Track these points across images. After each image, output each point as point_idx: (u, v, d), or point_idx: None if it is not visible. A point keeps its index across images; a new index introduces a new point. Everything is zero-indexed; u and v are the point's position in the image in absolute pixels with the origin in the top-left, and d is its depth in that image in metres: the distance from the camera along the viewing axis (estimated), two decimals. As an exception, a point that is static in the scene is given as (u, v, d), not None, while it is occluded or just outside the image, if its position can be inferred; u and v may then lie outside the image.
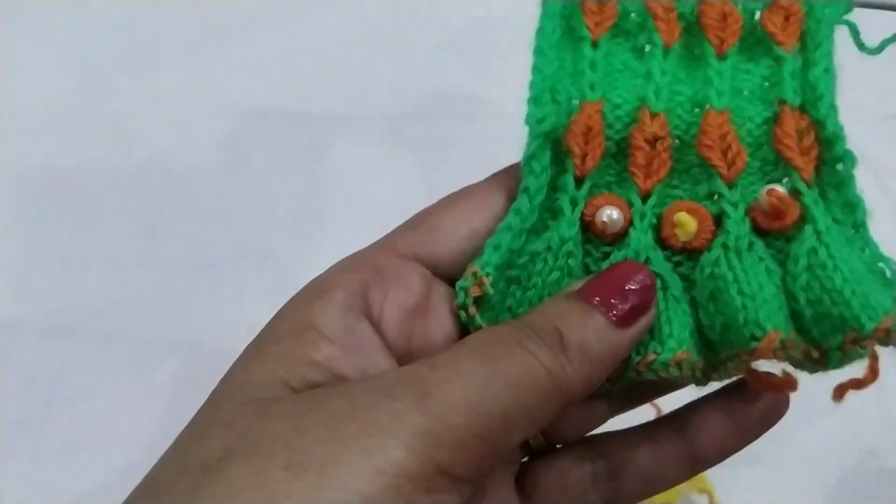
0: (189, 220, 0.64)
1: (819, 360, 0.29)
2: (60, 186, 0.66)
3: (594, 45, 0.31)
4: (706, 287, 0.29)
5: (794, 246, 0.29)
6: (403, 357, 0.29)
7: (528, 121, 0.30)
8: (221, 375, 0.27)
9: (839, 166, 0.30)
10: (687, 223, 0.30)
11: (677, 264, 0.31)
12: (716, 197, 0.30)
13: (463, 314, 0.29)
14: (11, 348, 0.59)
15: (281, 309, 0.29)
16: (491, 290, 0.29)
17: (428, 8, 0.70)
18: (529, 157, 0.30)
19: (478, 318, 0.29)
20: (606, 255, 0.31)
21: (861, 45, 0.34)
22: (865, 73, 0.71)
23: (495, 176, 0.32)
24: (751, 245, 0.29)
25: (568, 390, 0.26)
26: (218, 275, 0.60)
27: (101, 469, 0.54)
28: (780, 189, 0.29)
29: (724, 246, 0.29)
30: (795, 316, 0.29)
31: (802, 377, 0.29)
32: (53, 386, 0.58)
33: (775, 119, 0.30)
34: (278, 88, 0.69)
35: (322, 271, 0.30)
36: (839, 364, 0.28)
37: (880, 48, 0.35)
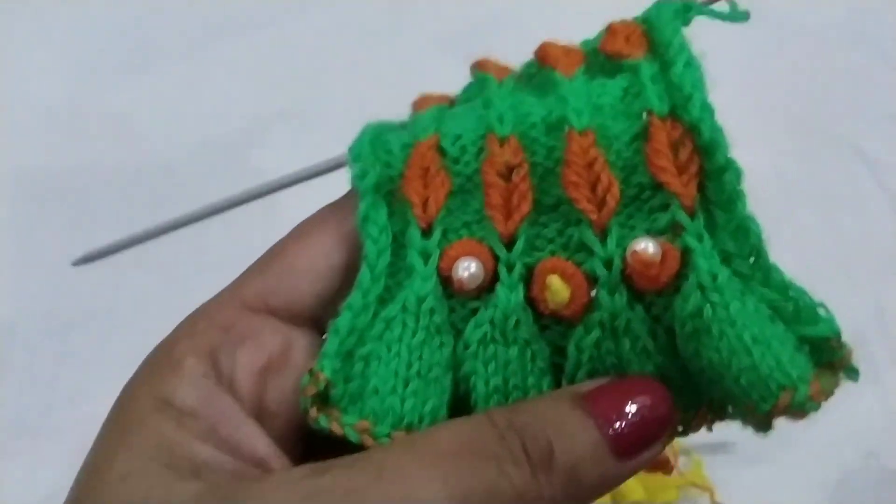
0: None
1: (713, 419, 0.27)
2: (60, 186, 0.66)
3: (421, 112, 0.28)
4: (584, 368, 0.26)
5: (678, 304, 0.25)
6: (259, 417, 0.26)
7: (352, 181, 0.27)
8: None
9: (724, 177, 0.25)
10: (559, 290, 0.25)
11: (544, 327, 0.27)
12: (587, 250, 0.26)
13: (310, 421, 0.25)
14: (11, 348, 0.59)
15: (129, 385, 0.26)
16: (331, 384, 0.25)
17: (428, 8, 0.70)
18: (363, 220, 0.26)
19: (321, 421, 0.25)
20: (474, 311, 0.26)
21: (731, 16, 0.28)
22: (865, 73, 0.71)
23: (346, 198, 0.28)
24: (628, 324, 0.25)
25: None
26: (217, 276, 0.60)
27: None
28: (648, 249, 0.25)
29: (601, 325, 0.25)
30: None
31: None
32: (53, 386, 0.58)
33: (645, 135, 0.26)
34: (278, 88, 0.69)
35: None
36: (743, 423, 0.26)
37: (739, 14, 0.28)
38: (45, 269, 0.63)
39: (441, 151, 0.26)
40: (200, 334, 0.26)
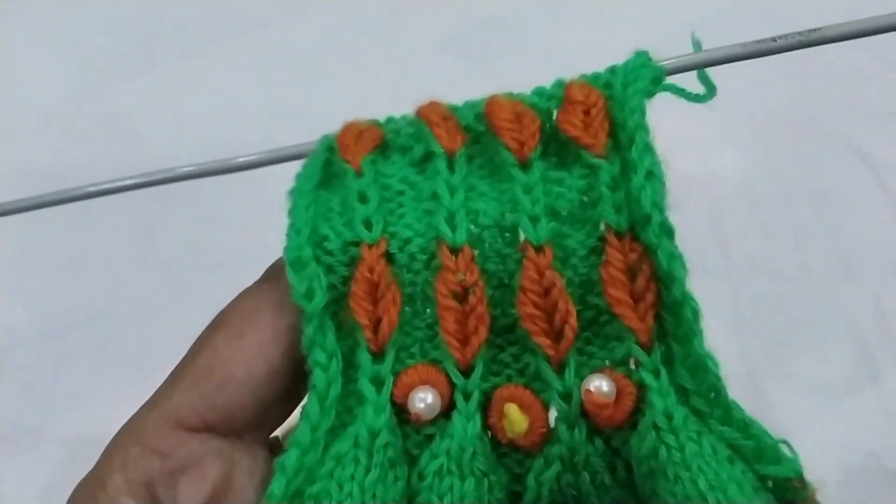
0: (189, 220, 0.64)
1: None
2: (60, 186, 0.66)
3: (358, 172, 0.25)
4: (544, 501, 0.25)
5: (634, 443, 0.24)
6: None
7: (294, 297, 0.24)
8: None
9: (682, 312, 0.23)
10: (517, 421, 0.24)
11: (501, 455, 0.25)
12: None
13: None
14: (11, 348, 0.59)
15: None
16: None
17: (428, 8, 0.70)
18: (310, 345, 0.24)
19: None
20: (429, 438, 0.25)
21: (697, 97, 0.26)
22: (865, 73, 0.71)
23: (272, 279, 0.26)
24: (587, 459, 0.24)
25: None
26: (216, 276, 0.60)
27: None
28: (603, 388, 0.24)
29: (561, 459, 0.24)
30: None
31: (800, 375, 0.29)
32: (53, 386, 0.58)
33: (602, 249, 0.24)
34: (278, 88, 0.69)
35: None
36: None
37: (709, 93, 0.26)
38: (46, 269, 0.63)
39: (389, 257, 0.24)
40: (134, 464, 0.24)
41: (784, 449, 0.24)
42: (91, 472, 0.25)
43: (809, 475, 0.61)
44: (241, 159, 0.29)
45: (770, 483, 0.24)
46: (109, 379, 0.58)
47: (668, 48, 0.27)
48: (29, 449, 0.56)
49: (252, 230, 0.65)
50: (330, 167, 0.26)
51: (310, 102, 0.68)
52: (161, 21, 0.73)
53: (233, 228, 0.64)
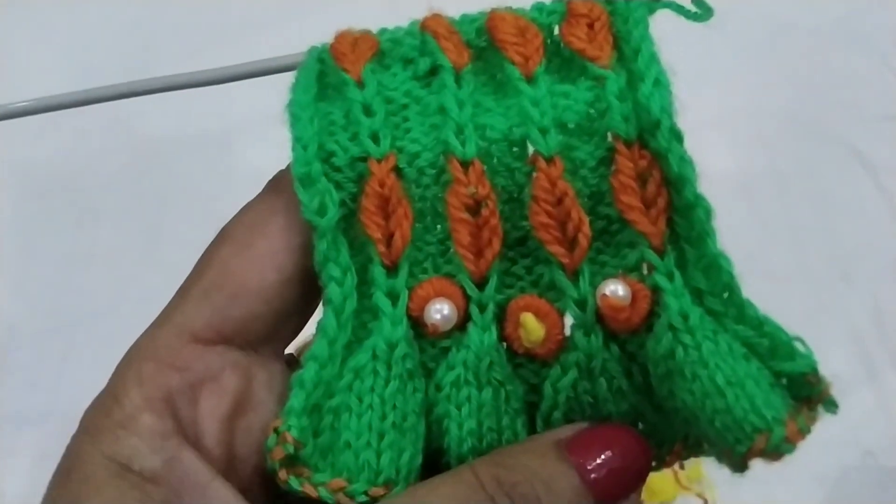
0: (190, 219, 0.64)
1: (688, 454, 0.26)
2: (61, 186, 0.66)
3: (359, 83, 0.24)
4: (560, 409, 0.25)
5: (651, 345, 0.24)
6: (228, 469, 0.24)
7: (304, 213, 0.23)
8: (69, 441, 0.24)
9: (693, 214, 0.24)
10: (534, 329, 0.24)
11: (517, 366, 0.25)
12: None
13: (280, 483, 0.23)
14: (12, 347, 0.59)
15: (76, 443, 0.23)
16: (299, 445, 0.23)
17: (427, 9, 0.70)
18: (324, 261, 0.24)
19: (292, 483, 0.23)
20: (445, 351, 0.25)
21: (695, 16, 0.26)
22: (864, 75, 0.71)
23: (276, 191, 0.25)
24: (604, 365, 0.25)
25: None
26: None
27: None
28: (618, 292, 0.24)
29: (577, 365, 0.25)
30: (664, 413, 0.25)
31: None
32: (54, 384, 0.58)
33: (611, 159, 0.24)
34: (278, 89, 0.69)
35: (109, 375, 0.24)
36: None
37: (704, 13, 0.26)
38: (48, 267, 0.63)
39: (398, 172, 0.24)
40: (151, 380, 0.23)
41: (798, 346, 0.24)
42: (103, 392, 0.24)
43: (807, 474, 0.61)
44: (232, 70, 0.29)
45: (784, 380, 0.24)
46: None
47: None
48: (31, 446, 0.56)
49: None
50: (324, 78, 0.25)
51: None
52: (162, 22, 0.74)
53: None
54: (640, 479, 0.24)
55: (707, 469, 0.53)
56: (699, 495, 0.52)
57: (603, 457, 0.23)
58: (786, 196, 0.64)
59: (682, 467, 0.26)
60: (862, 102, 0.68)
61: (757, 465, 0.24)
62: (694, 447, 0.26)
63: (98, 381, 0.69)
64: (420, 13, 0.27)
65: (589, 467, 0.23)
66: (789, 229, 0.62)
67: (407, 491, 0.23)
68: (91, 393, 0.66)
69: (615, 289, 0.24)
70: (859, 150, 0.66)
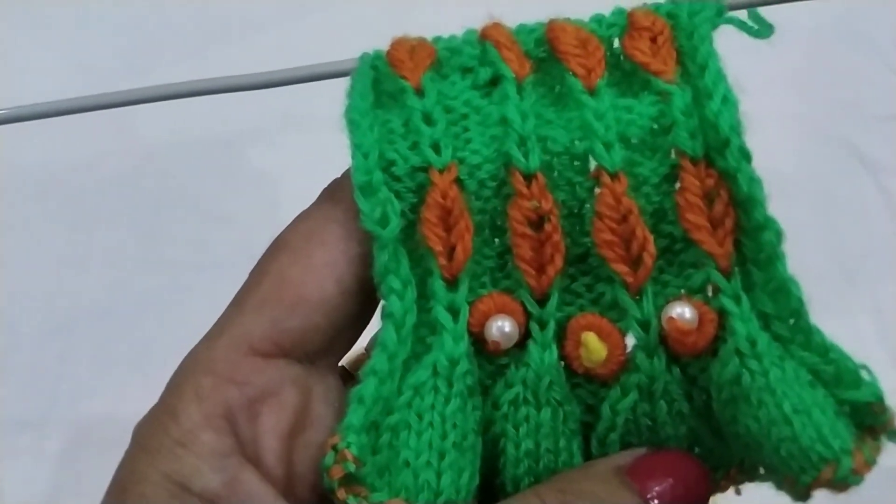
0: (189, 220, 0.64)
1: (744, 479, 0.26)
2: (60, 186, 0.66)
3: (419, 91, 0.24)
4: (618, 431, 0.25)
5: (716, 369, 0.24)
6: (287, 488, 0.23)
7: (365, 223, 0.23)
8: (122, 457, 0.23)
9: (762, 237, 0.23)
10: (596, 350, 0.24)
11: (575, 385, 0.25)
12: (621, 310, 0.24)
13: (338, 502, 0.22)
14: (11, 349, 0.59)
15: (130, 461, 0.22)
16: (359, 463, 0.22)
17: (428, 8, 0.70)
18: (384, 273, 0.23)
19: (352, 503, 0.22)
20: (502, 368, 0.25)
21: (757, 32, 0.26)
22: (864, 75, 0.71)
23: (334, 199, 0.24)
24: (665, 388, 0.24)
25: None
26: (218, 275, 0.61)
27: (102, 469, 0.54)
28: (685, 315, 0.23)
29: (638, 387, 0.24)
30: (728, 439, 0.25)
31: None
32: (54, 386, 0.58)
33: (676, 175, 0.24)
34: (279, 89, 0.69)
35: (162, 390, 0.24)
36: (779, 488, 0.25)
37: (766, 30, 0.26)
38: (47, 269, 0.63)
39: (459, 183, 0.23)
40: (210, 395, 0.22)
41: (864, 374, 0.24)
42: (158, 406, 0.23)
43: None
44: (277, 75, 0.28)
45: (848, 408, 0.24)
46: (112, 378, 0.58)
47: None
48: (31, 447, 0.56)
49: (253, 230, 0.65)
50: (379, 86, 0.25)
51: (310, 103, 0.68)
52: (162, 22, 0.73)
53: (233, 228, 0.64)
54: None
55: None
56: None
57: (664, 483, 0.23)
58: (786, 196, 0.64)
59: (738, 492, 0.26)
60: (862, 102, 0.68)
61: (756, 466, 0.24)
62: (749, 472, 0.26)
63: (97, 381, 0.69)
64: (420, 13, 0.27)
65: (650, 494, 0.22)
66: (789, 229, 0.61)
67: None
68: (90, 393, 0.66)
69: (682, 311, 0.23)
70: (859, 150, 0.66)
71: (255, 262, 0.25)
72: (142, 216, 0.65)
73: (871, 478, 0.58)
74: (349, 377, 0.25)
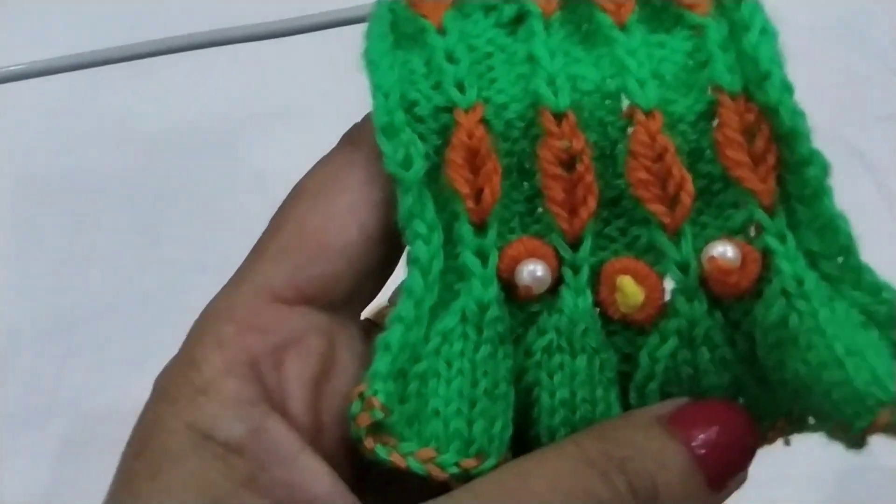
0: (190, 220, 0.64)
1: (792, 431, 0.25)
2: (61, 187, 0.66)
3: (440, 30, 0.23)
4: (657, 379, 0.24)
5: (759, 311, 0.23)
6: (314, 438, 0.22)
7: (388, 166, 0.22)
8: (142, 408, 0.23)
9: (808, 172, 0.22)
10: (633, 294, 0.23)
11: (610, 333, 0.24)
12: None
13: (365, 452, 0.22)
14: (12, 348, 0.59)
15: (152, 409, 0.22)
16: (387, 411, 0.21)
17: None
18: (409, 217, 0.22)
19: (379, 452, 0.22)
20: (533, 317, 0.24)
21: None
22: (863, 75, 0.71)
23: (354, 144, 0.23)
24: (707, 333, 0.23)
25: None
26: (219, 275, 0.61)
27: (102, 468, 0.54)
28: (727, 254, 0.22)
29: (678, 333, 0.23)
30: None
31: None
32: (54, 386, 0.58)
33: (712, 113, 0.22)
34: (278, 88, 0.69)
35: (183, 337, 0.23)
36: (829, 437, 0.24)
37: None
38: (48, 268, 0.63)
39: (485, 124, 0.22)
40: (232, 343, 0.22)
41: None
42: (178, 356, 0.22)
43: (806, 473, 0.61)
44: (293, 23, 0.27)
45: None
46: (112, 378, 0.58)
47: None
48: (31, 446, 0.56)
49: (253, 230, 0.65)
50: (398, 29, 0.24)
51: (310, 102, 0.68)
52: (162, 21, 0.74)
53: (234, 228, 0.64)
54: (749, 456, 0.22)
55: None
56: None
57: (709, 432, 0.22)
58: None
59: (787, 443, 0.25)
60: (862, 102, 0.68)
61: (754, 465, 0.23)
62: (798, 423, 0.25)
63: (97, 381, 0.69)
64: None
65: (695, 444, 0.21)
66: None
67: (510, 465, 0.22)
68: (91, 393, 0.67)
69: (724, 250, 0.22)
70: (859, 150, 0.66)
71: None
72: (142, 216, 0.65)
73: (871, 478, 0.58)
74: (371, 329, 0.24)
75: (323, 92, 0.69)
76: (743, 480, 0.23)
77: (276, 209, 0.25)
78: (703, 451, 0.21)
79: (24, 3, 0.74)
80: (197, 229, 0.64)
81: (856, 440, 0.23)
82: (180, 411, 0.21)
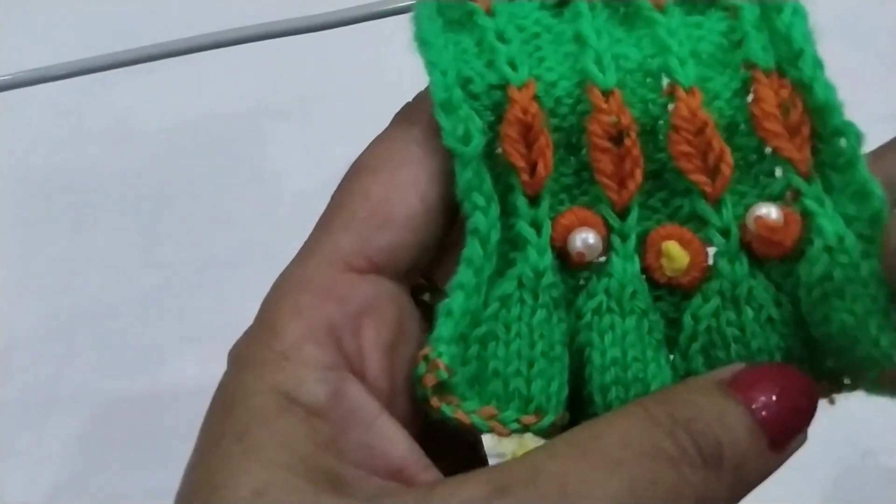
0: (189, 220, 0.64)
1: (836, 390, 0.26)
2: (61, 186, 0.66)
3: (489, 12, 0.24)
4: (700, 340, 0.25)
5: (804, 269, 0.24)
6: (390, 402, 0.23)
7: (447, 140, 0.23)
8: (221, 378, 0.23)
9: (841, 142, 0.24)
10: (678, 257, 0.24)
11: (656, 298, 0.25)
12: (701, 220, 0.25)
13: (431, 411, 0.23)
14: (11, 349, 0.59)
15: (234, 376, 0.22)
16: (451, 372, 0.23)
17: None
18: (468, 190, 0.23)
19: (445, 411, 0.23)
20: (584, 282, 0.25)
21: None
22: (861, 74, 0.71)
23: (410, 121, 0.24)
24: (750, 293, 0.24)
25: None
26: (218, 275, 0.61)
27: (102, 469, 0.54)
28: (771, 215, 0.24)
29: (720, 293, 0.24)
30: (815, 343, 0.25)
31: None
32: (53, 386, 0.58)
33: (747, 90, 0.24)
34: (279, 88, 0.69)
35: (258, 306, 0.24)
36: (874, 392, 0.25)
37: None
38: (48, 268, 0.63)
39: (537, 101, 0.24)
40: (310, 311, 0.22)
41: None
42: (255, 326, 0.23)
43: (806, 474, 0.61)
44: (328, 17, 0.27)
45: None
46: (112, 379, 0.58)
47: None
48: (30, 448, 0.56)
49: (253, 230, 0.65)
50: (445, 15, 0.25)
51: (311, 101, 0.68)
52: (162, 21, 0.73)
53: (233, 228, 0.64)
54: (808, 417, 0.23)
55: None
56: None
57: (769, 395, 0.22)
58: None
59: (832, 402, 0.26)
60: (862, 102, 0.68)
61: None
62: (837, 383, 0.26)
63: (97, 382, 0.69)
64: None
65: (756, 406, 0.22)
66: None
67: (582, 427, 0.22)
68: (90, 394, 0.66)
69: (768, 211, 0.24)
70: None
71: (262, 261, 0.25)
72: (142, 216, 0.65)
73: (871, 478, 0.58)
74: (439, 294, 0.25)
75: (322, 93, 0.69)
76: (803, 441, 0.23)
77: (275, 209, 0.25)
78: (764, 412, 0.22)
79: (29, 4, 0.74)
80: (197, 229, 0.64)
81: None
82: (264, 375, 0.21)
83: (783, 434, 0.23)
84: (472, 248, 0.23)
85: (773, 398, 0.22)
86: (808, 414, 0.23)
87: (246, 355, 0.22)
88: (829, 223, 0.24)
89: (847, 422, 0.54)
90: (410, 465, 0.22)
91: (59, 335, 0.60)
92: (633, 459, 0.21)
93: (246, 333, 0.23)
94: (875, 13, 0.71)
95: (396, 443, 0.22)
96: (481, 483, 0.20)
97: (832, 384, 0.26)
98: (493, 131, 0.24)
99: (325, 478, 0.21)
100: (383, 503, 0.20)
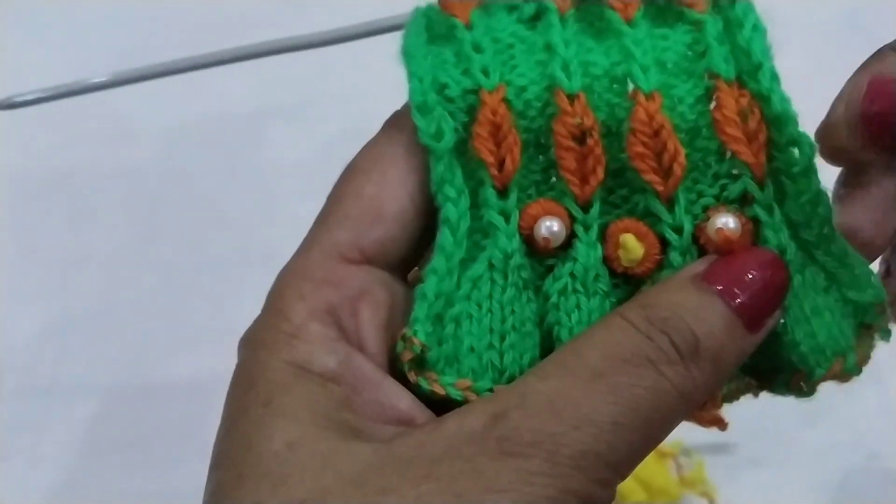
0: (189, 220, 0.64)
1: (759, 387, 0.28)
2: (60, 186, 0.66)
3: (468, 26, 0.26)
4: None
5: None
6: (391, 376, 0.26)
7: (422, 137, 0.25)
8: (220, 378, 0.25)
9: (794, 151, 0.25)
10: (633, 249, 0.26)
11: (615, 286, 0.27)
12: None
13: (412, 384, 0.25)
14: (10, 348, 0.59)
15: (249, 356, 0.25)
16: (426, 348, 0.25)
17: (428, 8, 0.70)
18: (440, 182, 0.26)
19: (422, 383, 0.25)
20: (550, 269, 0.27)
21: None
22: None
23: (397, 127, 0.27)
24: None
25: (693, 405, 0.24)
26: (218, 275, 0.60)
27: (101, 469, 0.54)
28: (730, 224, 0.26)
29: None
30: None
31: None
32: (52, 386, 0.58)
33: (709, 97, 0.26)
34: (278, 88, 0.69)
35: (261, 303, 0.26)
36: (782, 393, 0.28)
37: None
38: (46, 268, 0.63)
39: (507, 103, 0.26)
40: (312, 295, 0.25)
41: (873, 279, 0.27)
42: (263, 313, 0.25)
43: (810, 476, 0.61)
44: (330, 34, 0.32)
45: (851, 308, 0.27)
46: (109, 379, 0.58)
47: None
48: (28, 449, 0.56)
49: (251, 230, 0.65)
50: (432, 30, 0.27)
51: (310, 102, 0.68)
52: (161, 20, 0.73)
53: (232, 229, 0.64)
54: (782, 293, 0.25)
55: (709, 472, 0.53)
56: (704, 494, 0.52)
57: (742, 279, 0.24)
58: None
59: (756, 396, 0.29)
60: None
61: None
62: (763, 382, 0.28)
63: (94, 382, 0.68)
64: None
65: (731, 293, 0.24)
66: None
67: (566, 345, 0.25)
68: (87, 394, 0.66)
69: (726, 221, 0.26)
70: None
71: (262, 261, 0.26)
72: (140, 216, 0.65)
73: (876, 480, 0.58)
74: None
75: (321, 95, 0.69)
76: (779, 318, 0.25)
77: (274, 209, 0.26)
78: (739, 298, 0.24)
79: (24, 3, 0.74)
80: (195, 230, 0.64)
81: (811, 387, 0.27)
82: (278, 352, 0.24)
83: (760, 313, 0.24)
84: (444, 236, 0.26)
85: (746, 282, 0.24)
86: (781, 290, 0.25)
87: (259, 339, 0.25)
88: (774, 235, 0.26)
89: (852, 424, 0.54)
90: (417, 416, 0.24)
91: (57, 335, 0.60)
92: (613, 368, 0.23)
93: (256, 321, 0.25)
94: (881, 11, 0.71)
95: (402, 398, 0.25)
96: (484, 413, 0.22)
97: (760, 382, 0.28)
98: (468, 131, 0.26)
99: (347, 427, 0.23)
100: (403, 440, 0.23)
